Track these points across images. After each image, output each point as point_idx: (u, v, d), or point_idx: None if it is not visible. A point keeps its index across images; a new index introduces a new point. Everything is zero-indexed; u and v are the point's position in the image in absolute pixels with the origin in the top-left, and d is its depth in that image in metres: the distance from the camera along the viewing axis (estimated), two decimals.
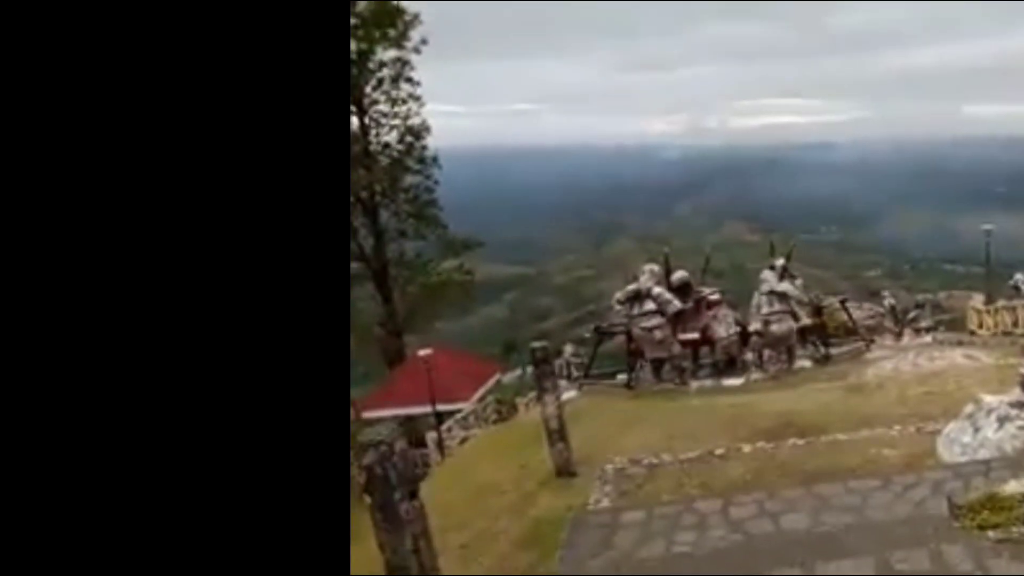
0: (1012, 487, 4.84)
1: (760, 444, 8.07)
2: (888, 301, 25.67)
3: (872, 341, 16.51)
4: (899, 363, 13.56)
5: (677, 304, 13.43)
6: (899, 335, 21.52)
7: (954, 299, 48.49)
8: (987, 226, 33.59)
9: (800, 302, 15.10)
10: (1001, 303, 22.50)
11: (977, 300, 27.28)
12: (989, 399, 7.41)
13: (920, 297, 30.09)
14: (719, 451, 7.91)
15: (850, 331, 16.73)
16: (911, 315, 24.00)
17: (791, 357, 14.08)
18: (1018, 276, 19.90)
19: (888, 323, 22.98)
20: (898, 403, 9.74)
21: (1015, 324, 19.90)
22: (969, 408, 7.48)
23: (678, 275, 14.48)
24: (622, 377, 13.93)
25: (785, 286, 14.21)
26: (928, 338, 20.15)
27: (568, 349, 21.74)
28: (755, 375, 13.44)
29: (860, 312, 22.51)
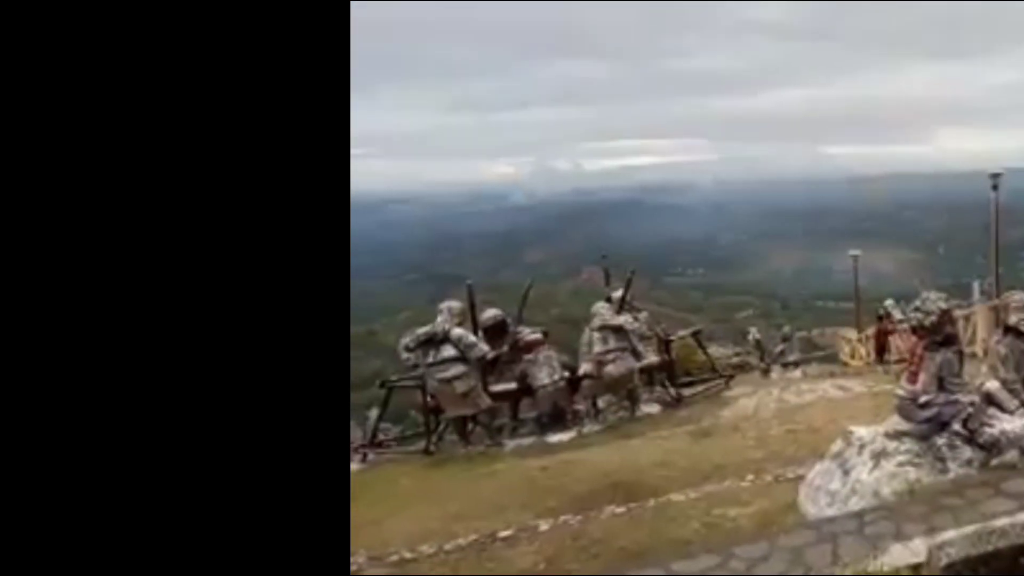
0: (896, 555, 3.36)
1: (565, 518, 6.48)
2: (753, 336, 25.54)
3: (732, 377, 15.55)
4: (762, 400, 12.68)
5: (484, 348, 11.66)
6: (766, 371, 21.31)
7: (827, 336, 50.22)
8: (854, 252, 34.67)
9: (643, 337, 13.90)
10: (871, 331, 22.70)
11: (850, 333, 27.70)
12: (861, 431, 6.43)
13: (786, 329, 30.02)
14: (505, 532, 6.25)
15: (712, 368, 15.78)
16: (778, 349, 23.81)
17: (634, 402, 12.72)
18: (888, 302, 20.18)
19: (754, 359, 22.69)
20: (756, 446, 8.82)
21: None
22: (837, 446, 6.39)
23: (489, 313, 12.68)
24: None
25: (622, 319, 12.90)
26: (798, 372, 20.02)
27: (373, 413, 19.84)
28: (589, 427, 11.94)
29: (727, 351, 22.14)
